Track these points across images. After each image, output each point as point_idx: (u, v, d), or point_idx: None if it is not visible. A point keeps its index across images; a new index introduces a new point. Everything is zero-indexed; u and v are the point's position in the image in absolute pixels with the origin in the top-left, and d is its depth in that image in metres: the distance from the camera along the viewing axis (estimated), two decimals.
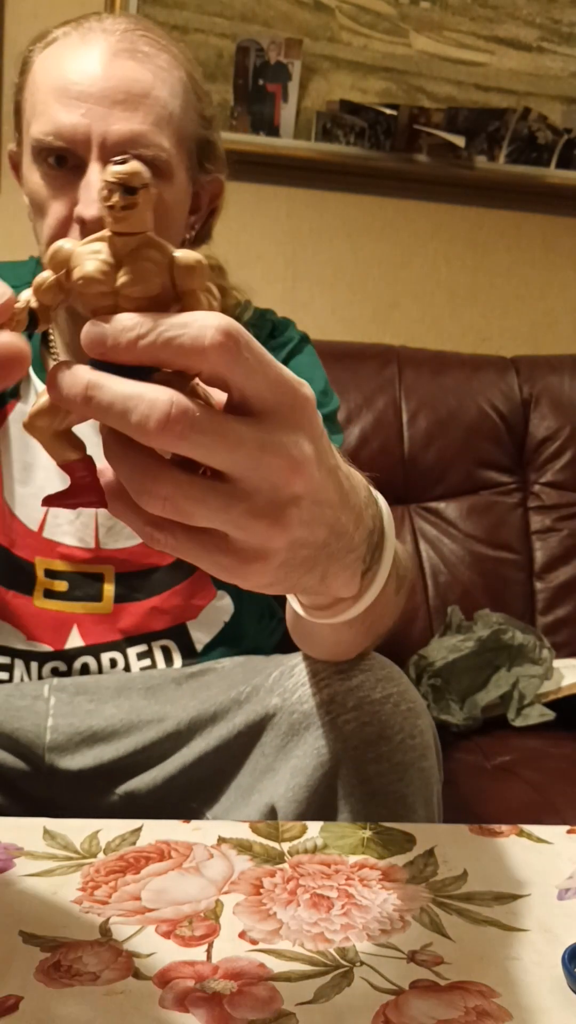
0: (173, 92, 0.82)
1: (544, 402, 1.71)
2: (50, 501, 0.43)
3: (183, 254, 0.39)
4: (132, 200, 0.38)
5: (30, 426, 0.41)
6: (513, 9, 1.88)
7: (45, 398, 0.40)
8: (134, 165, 0.38)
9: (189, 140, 0.85)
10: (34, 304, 0.40)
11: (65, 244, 0.40)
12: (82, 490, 0.43)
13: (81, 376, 0.37)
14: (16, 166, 0.90)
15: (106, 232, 0.39)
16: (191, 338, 0.36)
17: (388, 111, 1.85)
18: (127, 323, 0.37)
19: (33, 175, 0.82)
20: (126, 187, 0.37)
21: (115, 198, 0.38)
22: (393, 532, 0.58)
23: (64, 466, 0.42)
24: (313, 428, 0.40)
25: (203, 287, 0.40)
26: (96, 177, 0.78)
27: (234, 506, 0.38)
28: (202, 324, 0.36)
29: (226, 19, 1.77)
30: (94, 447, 0.41)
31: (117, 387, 0.36)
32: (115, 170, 0.37)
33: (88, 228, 0.78)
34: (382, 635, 0.71)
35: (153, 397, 0.36)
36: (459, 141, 1.87)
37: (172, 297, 0.39)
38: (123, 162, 0.38)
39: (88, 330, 0.37)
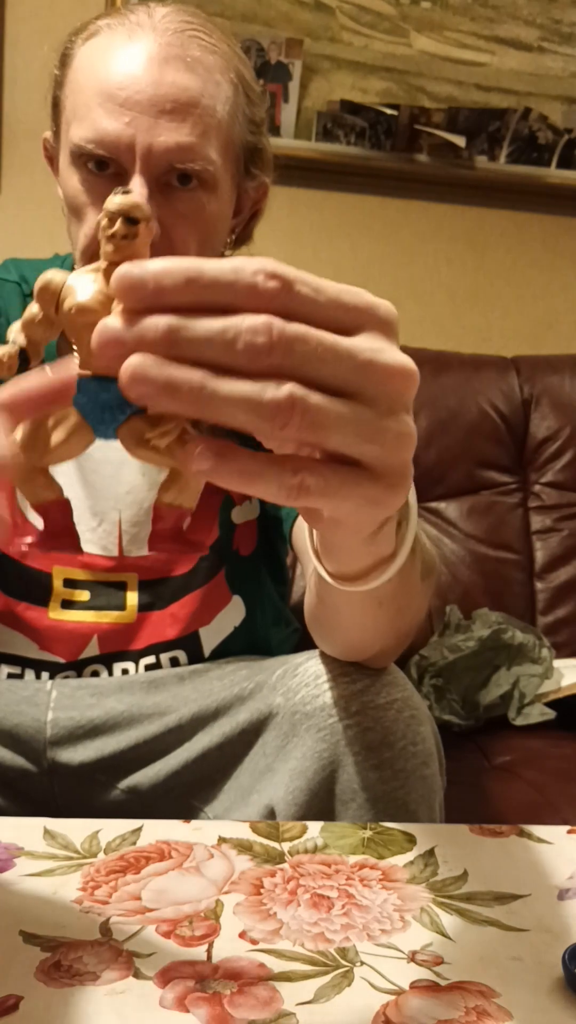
0: (223, 99, 0.79)
1: (544, 402, 1.71)
2: (27, 551, 0.41)
3: None
4: (134, 230, 0.37)
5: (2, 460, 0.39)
6: (514, 9, 1.88)
7: (23, 432, 0.38)
8: (136, 198, 0.37)
9: (236, 147, 0.82)
10: (23, 342, 0.39)
11: (56, 276, 0.39)
12: (58, 534, 0.41)
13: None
14: (51, 157, 0.87)
15: (101, 263, 0.38)
16: (245, 284, 0.34)
17: (389, 111, 1.85)
18: (172, 264, 0.35)
19: (72, 178, 0.79)
20: (128, 218, 0.37)
21: (118, 226, 0.37)
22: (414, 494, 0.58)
23: (38, 508, 0.40)
24: (396, 339, 0.39)
25: None
26: (139, 190, 0.75)
27: (361, 416, 0.36)
28: (253, 268, 0.34)
29: (226, 19, 1.77)
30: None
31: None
32: (119, 200, 0.37)
33: None
34: (406, 633, 0.70)
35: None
36: (460, 141, 1.87)
37: None
38: (125, 193, 0.37)
39: (125, 272, 0.34)
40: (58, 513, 0.41)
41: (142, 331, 0.34)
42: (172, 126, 0.75)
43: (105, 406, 0.38)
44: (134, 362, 0.34)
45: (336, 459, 0.38)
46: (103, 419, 0.38)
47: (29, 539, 0.41)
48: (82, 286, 0.38)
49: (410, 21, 1.85)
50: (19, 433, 0.39)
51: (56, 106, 0.84)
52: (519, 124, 1.91)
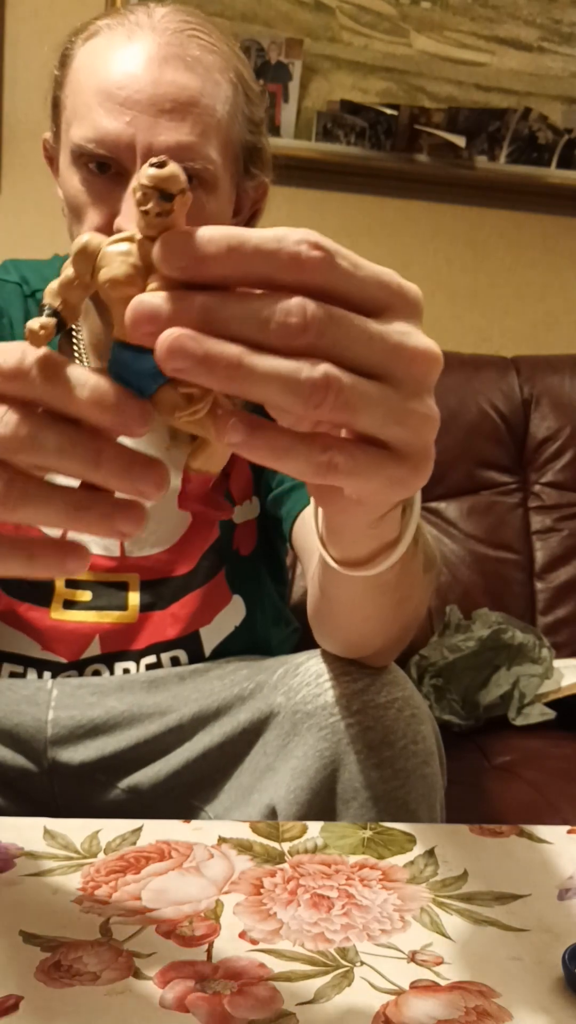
0: (222, 99, 0.79)
1: (544, 402, 1.71)
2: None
3: None
4: (168, 207, 0.36)
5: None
6: (514, 9, 1.88)
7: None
8: (172, 169, 0.36)
9: (236, 146, 0.82)
10: (58, 305, 0.39)
11: (92, 240, 0.39)
12: None
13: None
14: (51, 158, 0.87)
15: (135, 234, 0.37)
16: (288, 253, 0.35)
17: (389, 111, 1.85)
18: (215, 233, 0.35)
19: (72, 178, 0.79)
20: (162, 192, 0.36)
21: (151, 204, 0.36)
22: None
23: None
24: (421, 321, 0.40)
25: None
26: None
27: (390, 398, 0.37)
28: (296, 238, 0.35)
29: (227, 19, 1.77)
30: None
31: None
32: (152, 174, 0.36)
33: None
34: (406, 627, 0.71)
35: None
36: (460, 141, 1.87)
37: None
38: (161, 164, 0.36)
39: (168, 241, 0.35)
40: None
41: (177, 308, 0.35)
42: (172, 125, 0.75)
43: (139, 375, 0.38)
44: (171, 336, 0.34)
45: (361, 440, 0.38)
46: (137, 388, 0.38)
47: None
48: (116, 257, 0.38)
49: (410, 21, 1.85)
50: None
51: (56, 106, 0.84)
52: (519, 124, 1.91)
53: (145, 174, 0.36)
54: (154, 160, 0.36)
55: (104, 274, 0.38)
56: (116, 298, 0.38)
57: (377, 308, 0.37)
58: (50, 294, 0.40)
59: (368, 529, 0.51)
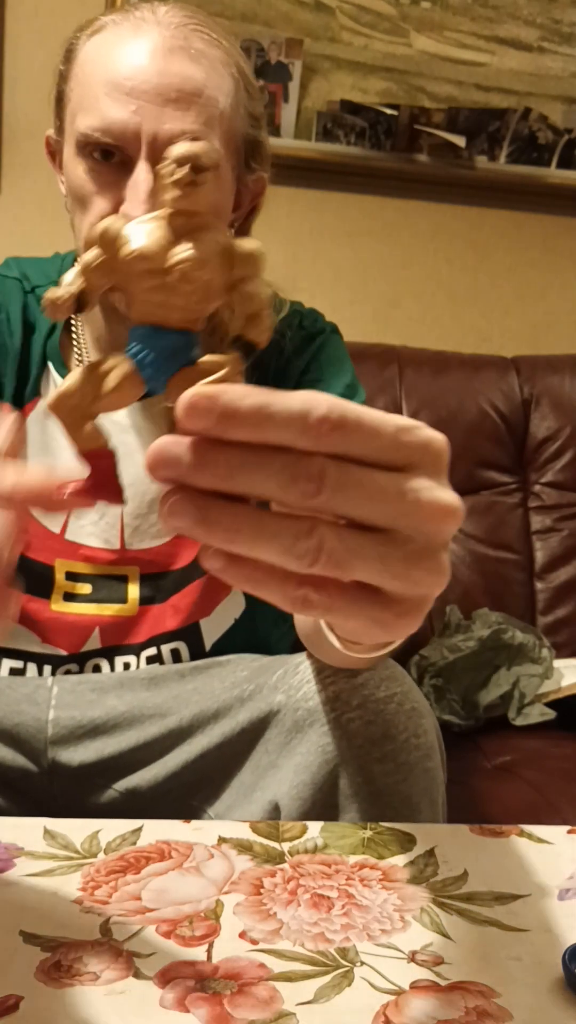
0: (225, 91, 0.81)
1: (544, 402, 1.71)
2: (73, 499, 0.41)
3: (245, 241, 0.38)
4: (201, 178, 0.36)
5: (56, 407, 0.38)
6: (514, 9, 1.88)
7: (74, 378, 0.38)
8: (205, 145, 0.37)
9: (238, 139, 0.83)
10: (81, 285, 0.39)
11: (115, 223, 0.38)
12: (103, 485, 0.40)
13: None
14: (53, 153, 0.88)
15: (164, 211, 0.38)
16: (311, 427, 0.34)
17: (389, 111, 1.85)
18: (244, 396, 0.34)
19: (77, 168, 0.80)
20: (194, 165, 0.36)
21: (183, 173, 0.36)
22: None
23: (87, 455, 0.40)
24: (446, 472, 0.39)
25: (260, 276, 0.39)
26: (144, 177, 0.76)
27: (391, 555, 0.36)
28: (319, 415, 0.34)
29: (226, 19, 1.77)
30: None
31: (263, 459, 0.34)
32: (186, 147, 0.36)
33: None
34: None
35: (301, 463, 0.34)
36: (460, 141, 1.87)
37: (224, 285, 0.38)
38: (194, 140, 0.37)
39: (195, 401, 0.34)
40: (104, 463, 0.40)
41: (200, 462, 0.34)
42: (177, 114, 0.77)
43: (159, 356, 0.37)
44: (175, 501, 0.34)
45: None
46: (156, 370, 0.38)
47: (72, 486, 0.40)
48: (142, 233, 0.38)
49: (410, 21, 1.85)
50: (71, 378, 0.38)
51: (60, 101, 0.85)
52: (519, 124, 1.91)
53: (179, 146, 0.36)
54: (187, 136, 0.37)
55: (128, 248, 0.37)
56: (140, 272, 0.37)
57: (399, 466, 0.36)
58: (69, 276, 0.39)
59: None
